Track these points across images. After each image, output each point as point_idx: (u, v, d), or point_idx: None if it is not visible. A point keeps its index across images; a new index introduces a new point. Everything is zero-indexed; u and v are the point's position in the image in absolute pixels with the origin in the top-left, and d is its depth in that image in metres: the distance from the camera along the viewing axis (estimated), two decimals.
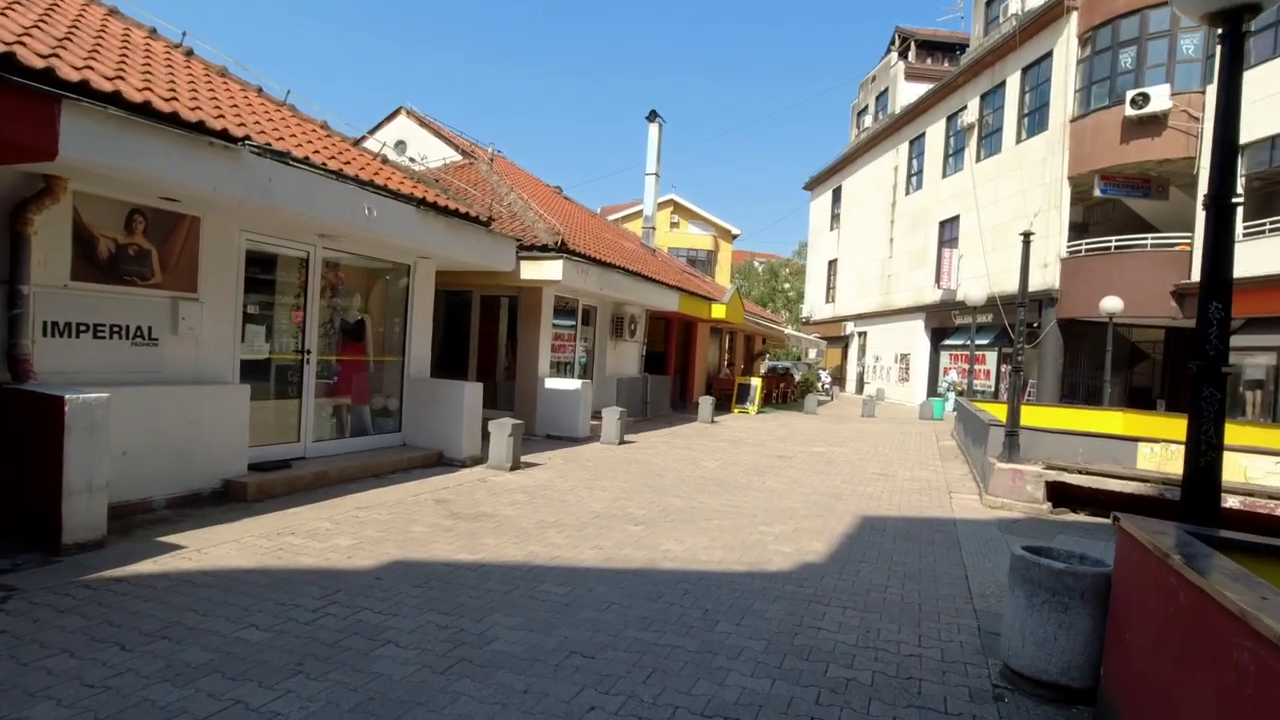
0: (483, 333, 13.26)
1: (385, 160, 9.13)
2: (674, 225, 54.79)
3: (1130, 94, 18.30)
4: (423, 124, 18.94)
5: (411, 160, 16.62)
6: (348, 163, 7.66)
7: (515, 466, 8.98)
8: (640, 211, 54.67)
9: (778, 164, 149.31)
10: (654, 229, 22.27)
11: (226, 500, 6.41)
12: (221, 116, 6.21)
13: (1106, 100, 19.61)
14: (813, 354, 50.82)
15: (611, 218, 40.37)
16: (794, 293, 66.52)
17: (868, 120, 37.13)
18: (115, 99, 4.87)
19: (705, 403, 17.10)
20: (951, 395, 25.06)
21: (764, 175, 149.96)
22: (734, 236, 57.95)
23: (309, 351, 7.83)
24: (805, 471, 10.25)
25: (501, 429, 8.91)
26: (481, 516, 6.45)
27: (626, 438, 12.97)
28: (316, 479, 7.23)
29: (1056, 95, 21.19)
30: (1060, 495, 8.04)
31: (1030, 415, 17.73)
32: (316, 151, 7.29)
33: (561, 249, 11.55)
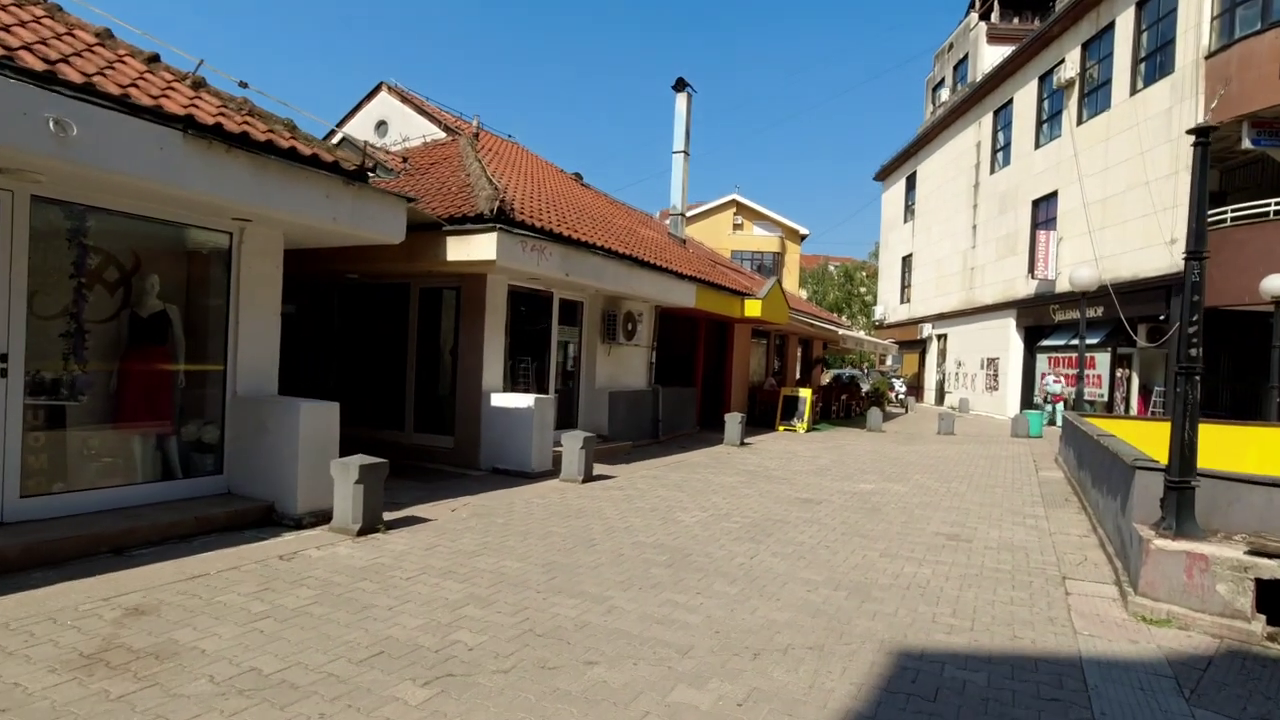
0: (423, 336, 10.38)
1: (200, 85, 6.33)
2: (737, 227, 51.66)
3: None
4: (405, 100, 16.40)
5: (362, 141, 14.09)
6: (62, 62, 4.87)
7: (370, 528, 5.95)
8: (704, 212, 51.89)
9: (852, 163, 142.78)
10: (684, 216, 19.02)
11: None
12: None
13: (1258, 24, 15.16)
14: (889, 361, 46.33)
15: (668, 220, 37.33)
16: (870, 296, 61.93)
17: (944, 95, 32.76)
18: None
19: (732, 420, 13.72)
20: (1049, 406, 20.55)
21: (837, 174, 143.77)
22: (802, 237, 54.30)
23: (3, 357, 5.03)
24: (829, 531, 6.80)
25: (346, 473, 5.90)
26: (127, 668, 3.42)
27: (607, 471, 9.81)
28: None
29: (1186, 27, 16.80)
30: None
31: (1158, 434, 13.46)
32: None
33: (499, 218, 8.53)
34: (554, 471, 9.24)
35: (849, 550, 6.08)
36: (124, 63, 5.80)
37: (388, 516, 6.51)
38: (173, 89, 5.83)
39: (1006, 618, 4.54)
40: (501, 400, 9.36)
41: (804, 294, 60.18)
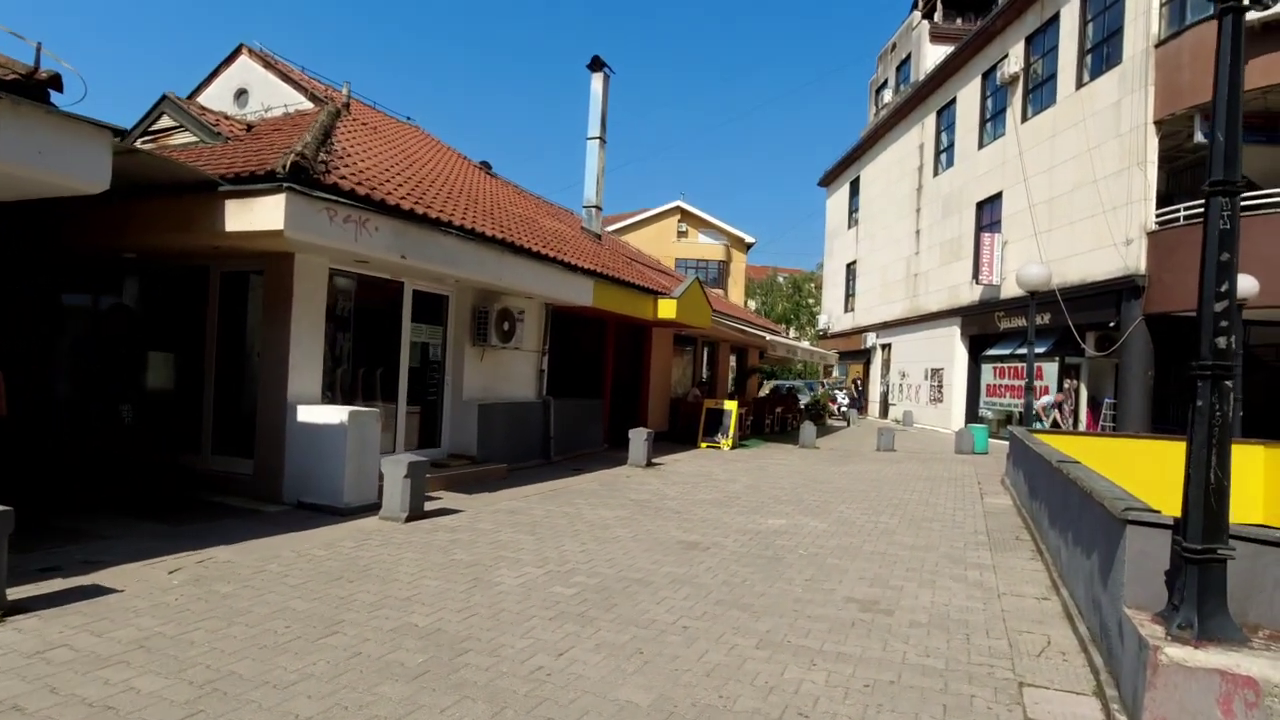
0: (225, 334, 8.21)
1: None
2: (681, 234, 50.17)
3: None
4: (269, 66, 14.08)
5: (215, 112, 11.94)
6: None
7: None
8: (648, 219, 50.25)
9: (799, 172, 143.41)
10: (599, 208, 17.11)
11: None
12: None
13: (1210, 7, 14.02)
14: (836, 372, 45.20)
15: (611, 228, 35.44)
16: (819, 307, 61.18)
17: (888, 96, 31.75)
18: None
19: (637, 438, 11.80)
20: (1044, 422, 18.32)
21: (784, 182, 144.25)
22: (749, 246, 53.02)
23: None
24: (701, 599, 4.89)
25: None
26: None
27: (456, 503, 7.78)
28: None
29: (1134, 15, 15.70)
30: None
31: (1116, 453, 11.99)
32: None
33: (293, 176, 6.47)
34: (377, 506, 7.16)
35: (715, 635, 4.17)
36: None
37: (59, 586, 4.44)
38: None
39: None
40: (311, 415, 7.26)
41: (752, 305, 58.89)
